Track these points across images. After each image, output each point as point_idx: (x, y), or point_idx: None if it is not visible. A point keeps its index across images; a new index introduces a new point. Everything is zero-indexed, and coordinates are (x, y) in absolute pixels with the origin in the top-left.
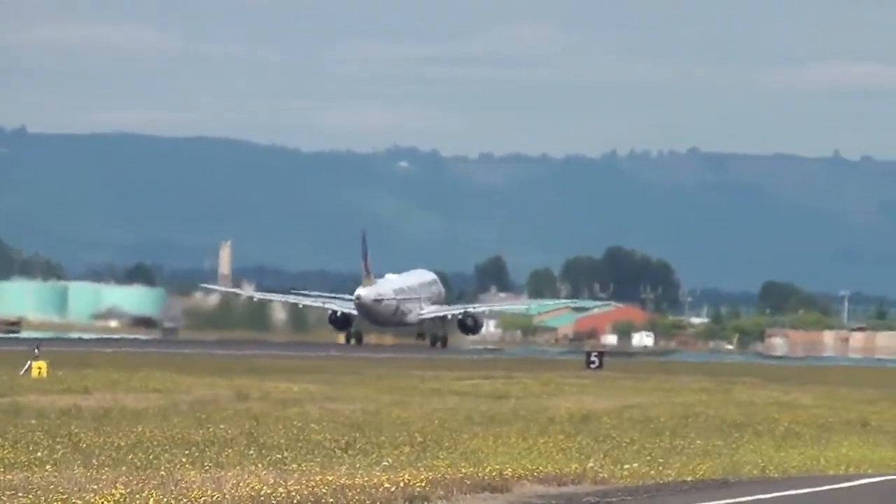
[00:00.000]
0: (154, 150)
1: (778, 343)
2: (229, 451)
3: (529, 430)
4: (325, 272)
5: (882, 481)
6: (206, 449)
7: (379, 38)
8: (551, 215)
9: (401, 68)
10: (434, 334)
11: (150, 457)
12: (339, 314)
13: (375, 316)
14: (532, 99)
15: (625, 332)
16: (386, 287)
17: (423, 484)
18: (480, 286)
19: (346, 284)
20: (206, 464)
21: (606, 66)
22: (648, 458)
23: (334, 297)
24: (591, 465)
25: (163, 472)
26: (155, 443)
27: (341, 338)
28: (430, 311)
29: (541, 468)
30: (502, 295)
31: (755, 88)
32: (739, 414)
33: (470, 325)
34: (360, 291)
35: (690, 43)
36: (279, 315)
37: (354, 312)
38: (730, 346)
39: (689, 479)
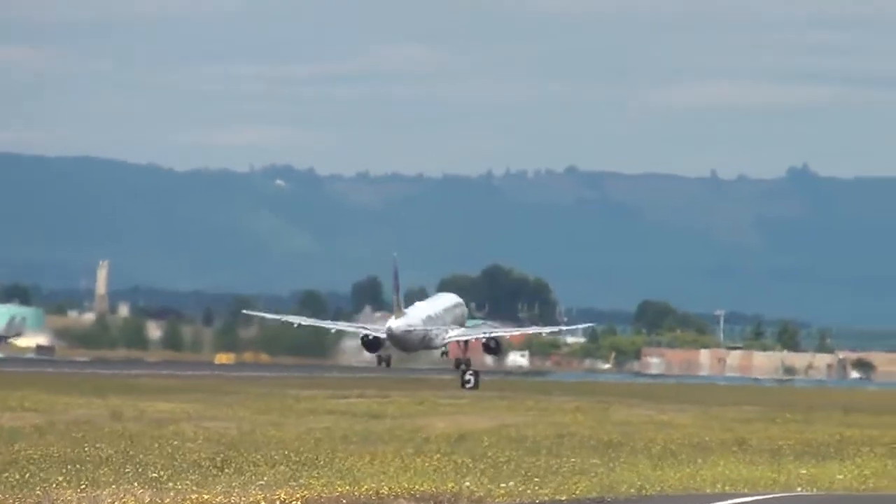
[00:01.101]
0: (30, 169)
1: (654, 362)
2: (105, 469)
3: (405, 449)
4: (201, 292)
5: (758, 500)
6: (83, 468)
7: (256, 57)
8: (428, 234)
9: (277, 87)
10: (458, 358)
11: (26, 475)
12: (370, 337)
13: (405, 344)
14: (409, 118)
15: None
16: (415, 317)
17: (299, 503)
18: (356, 305)
19: (223, 302)
20: (82, 483)
21: (483, 85)
22: (525, 476)
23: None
24: (467, 483)
25: (38, 492)
26: (31, 462)
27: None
28: (454, 334)
29: (417, 487)
30: (378, 314)
31: (634, 108)
32: (616, 433)
33: (493, 347)
34: (391, 324)
35: (568, 62)
36: (155, 334)
37: (384, 336)
38: (606, 366)
39: (565, 497)
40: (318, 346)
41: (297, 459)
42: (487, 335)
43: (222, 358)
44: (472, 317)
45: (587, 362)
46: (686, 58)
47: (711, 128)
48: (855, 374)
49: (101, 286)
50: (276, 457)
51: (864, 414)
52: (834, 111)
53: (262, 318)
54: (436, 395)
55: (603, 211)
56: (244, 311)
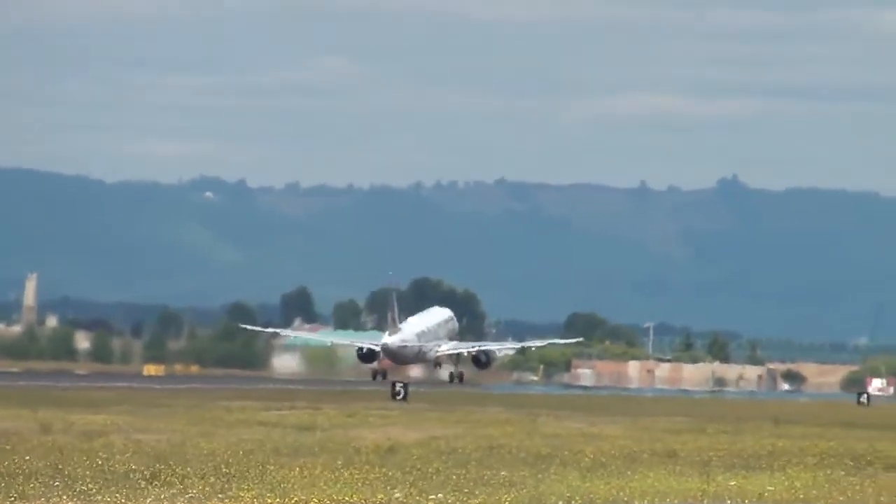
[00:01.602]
0: None
1: (584, 374)
2: (34, 482)
3: (335, 461)
4: (130, 304)
5: None
6: (11, 481)
7: (186, 69)
8: (357, 246)
9: (206, 99)
10: (451, 371)
11: None
12: (365, 350)
13: (399, 358)
14: (338, 129)
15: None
16: (409, 332)
17: None
18: (285, 317)
19: (152, 313)
20: (10, 495)
21: (412, 96)
22: (454, 488)
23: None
24: (397, 495)
25: None
26: None
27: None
28: (446, 348)
29: (346, 499)
30: (307, 326)
31: (563, 119)
32: (545, 445)
33: (483, 360)
34: (387, 340)
35: (498, 73)
36: (84, 345)
37: (378, 349)
38: (534, 378)
39: None
40: (248, 357)
41: (228, 471)
42: (478, 349)
43: (151, 370)
44: None
45: (515, 375)
46: (616, 69)
47: (641, 139)
48: (785, 386)
49: (29, 298)
50: (206, 469)
51: (794, 425)
52: (764, 123)
53: (193, 328)
54: (366, 407)
55: (532, 222)
56: (243, 326)
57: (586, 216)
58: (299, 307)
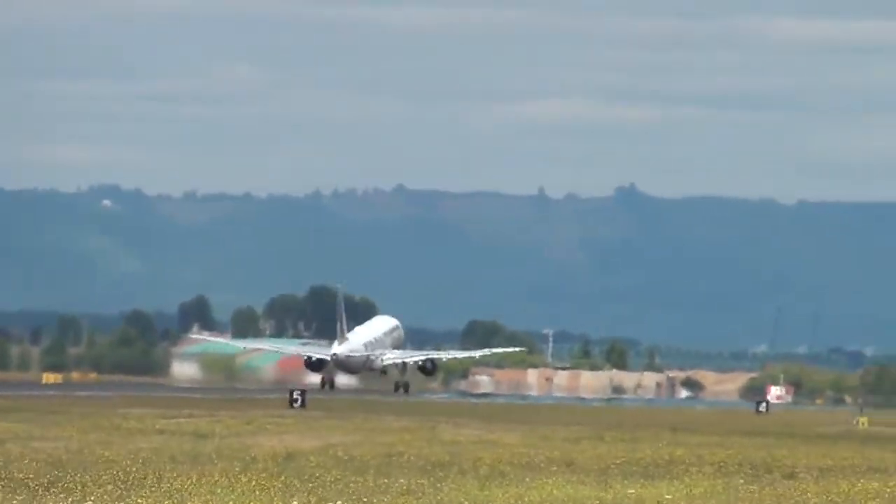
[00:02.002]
0: None
1: (482, 381)
2: None
3: (233, 468)
4: (28, 311)
5: None
6: None
7: (82, 75)
8: (256, 254)
9: (104, 106)
10: (397, 381)
11: None
12: (314, 359)
13: (348, 367)
14: (236, 137)
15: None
16: (357, 342)
17: None
18: (183, 325)
19: (51, 321)
20: None
21: (310, 103)
22: (352, 496)
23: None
24: (294, 503)
25: None
26: None
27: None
28: (392, 356)
29: None
30: (206, 334)
31: (462, 126)
32: (444, 453)
33: (429, 368)
34: (336, 350)
35: (396, 80)
36: None
37: (327, 358)
38: (433, 384)
39: None
40: (146, 365)
41: (126, 479)
42: (424, 357)
43: (49, 377)
44: (300, 337)
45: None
46: (515, 76)
47: (539, 146)
48: (684, 394)
49: None
50: (104, 477)
51: (692, 433)
52: (662, 130)
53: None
54: (264, 415)
55: (431, 230)
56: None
57: (485, 224)
58: (197, 315)
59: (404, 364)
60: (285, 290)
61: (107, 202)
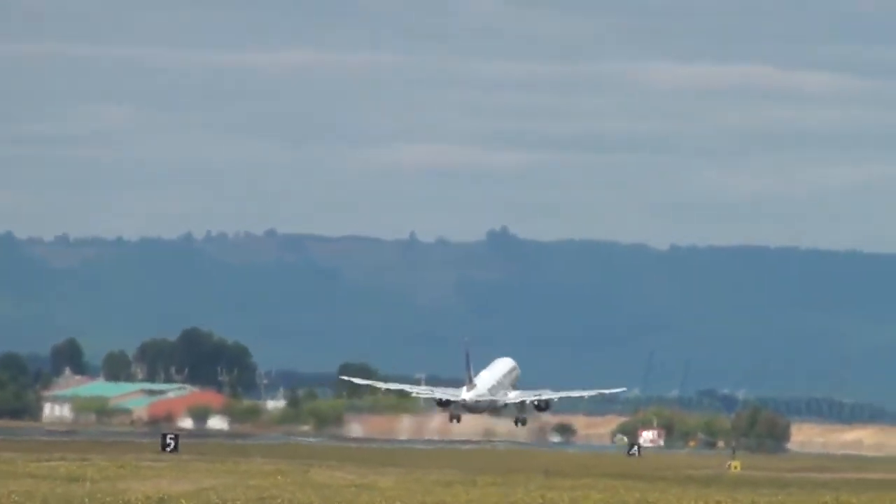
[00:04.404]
0: None
1: (354, 427)
2: None
3: None
4: None
5: None
6: None
7: None
8: (128, 297)
9: None
10: (516, 417)
11: None
12: (444, 400)
13: (475, 410)
14: (107, 180)
15: (201, 416)
16: (483, 387)
17: None
18: (55, 368)
19: None
20: None
21: (182, 146)
22: None
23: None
24: None
25: None
26: None
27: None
28: (513, 396)
29: None
30: (77, 377)
31: (334, 169)
32: (316, 496)
33: (543, 406)
34: (465, 395)
35: (267, 122)
36: None
37: (455, 399)
38: (306, 427)
39: None
40: (18, 408)
41: None
42: (539, 398)
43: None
44: (171, 380)
45: (284, 427)
46: (384, 119)
47: (410, 190)
48: (556, 438)
49: None
50: None
51: (565, 477)
52: (533, 173)
53: None
54: (136, 458)
55: (303, 273)
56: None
57: (357, 268)
58: (69, 358)
59: (523, 403)
60: (157, 334)
61: None
